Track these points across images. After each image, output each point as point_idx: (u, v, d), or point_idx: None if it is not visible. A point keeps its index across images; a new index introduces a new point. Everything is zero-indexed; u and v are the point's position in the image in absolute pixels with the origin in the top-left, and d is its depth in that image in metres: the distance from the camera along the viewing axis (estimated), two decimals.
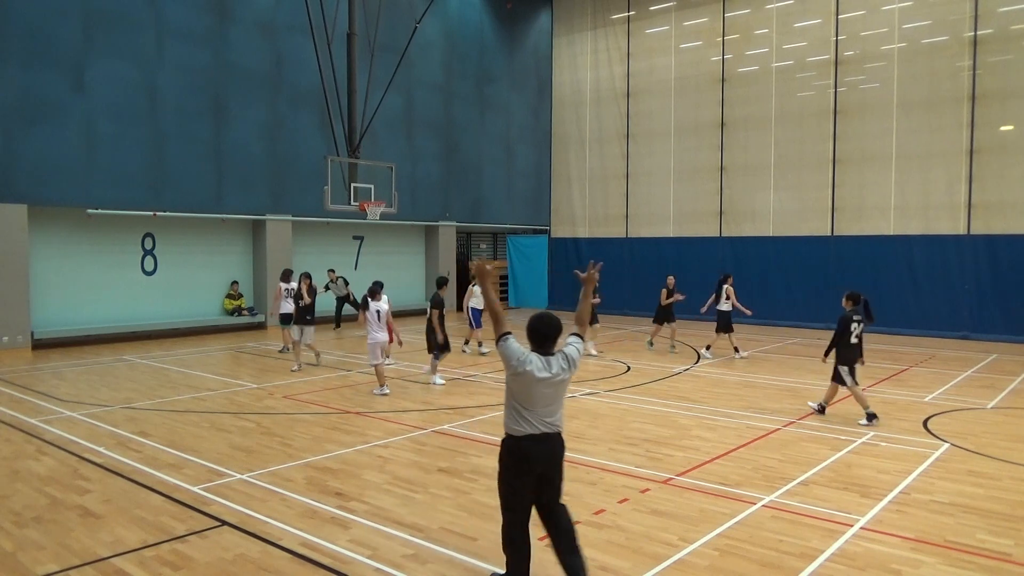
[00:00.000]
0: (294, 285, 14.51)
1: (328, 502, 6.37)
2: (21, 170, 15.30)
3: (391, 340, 14.25)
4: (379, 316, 11.33)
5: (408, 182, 21.94)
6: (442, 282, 12.79)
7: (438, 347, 11.98)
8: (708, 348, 15.24)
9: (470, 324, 15.46)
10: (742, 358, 14.81)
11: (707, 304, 15.63)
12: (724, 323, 15.07)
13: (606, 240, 25.27)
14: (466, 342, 15.70)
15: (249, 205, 19.32)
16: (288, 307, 14.56)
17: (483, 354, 15.15)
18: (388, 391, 11.13)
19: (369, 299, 11.49)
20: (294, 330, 13.62)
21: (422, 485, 6.84)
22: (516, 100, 26.46)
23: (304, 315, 13.40)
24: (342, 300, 20.21)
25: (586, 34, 25.79)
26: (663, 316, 15.88)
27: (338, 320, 20.37)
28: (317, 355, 13.91)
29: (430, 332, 12.05)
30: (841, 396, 11.04)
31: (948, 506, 6.30)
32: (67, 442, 8.35)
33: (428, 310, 12.29)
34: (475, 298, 15.24)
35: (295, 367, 13.28)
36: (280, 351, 15.50)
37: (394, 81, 19.01)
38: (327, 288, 19.61)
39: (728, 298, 15.03)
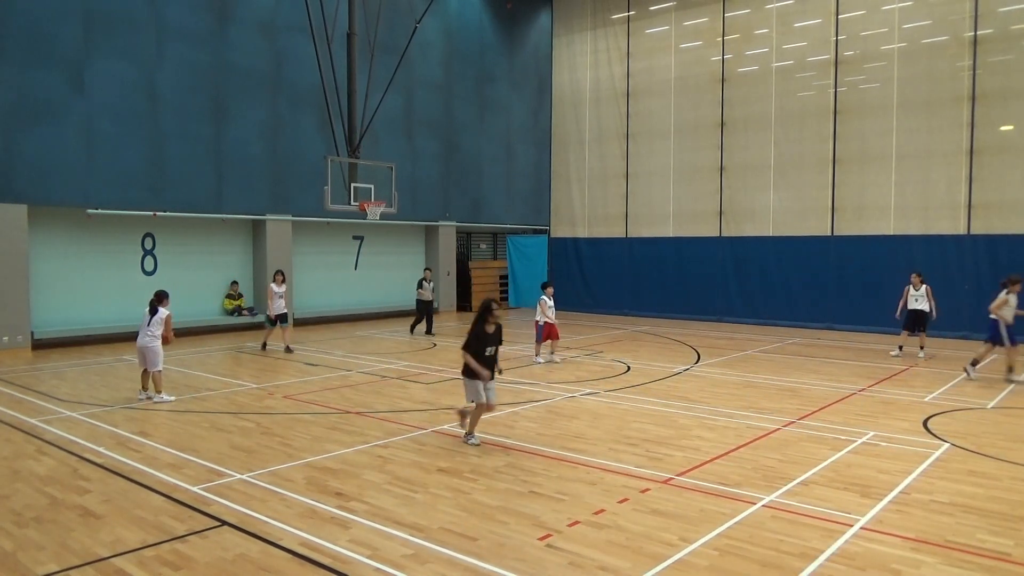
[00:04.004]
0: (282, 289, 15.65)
1: (328, 502, 6.37)
2: (21, 170, 15.30)
3: (555, 336, 14.34)
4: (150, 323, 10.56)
5: (408, 182, 21.94)
6: None
7: None
8: (898, 349, 15.03)
9: (998, 340, 12.41)
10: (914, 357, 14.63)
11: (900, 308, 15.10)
12: (917, 321, 14.86)
13: (606, 240, 25.27)
14: (974, 364, 12.64)
15: (249, 205, 19.32)
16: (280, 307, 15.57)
17: (1016, 382, 12.12)
18: (173, 398, 10.68)
19: (158, 306, 10.63)
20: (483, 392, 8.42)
21: (422, 485, 6.84)
22: (516, 100, 26.47)
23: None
24: (427, 304, 18.79)
25: (586, 34, 25.78)
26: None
27: (429, 325, 18.78)
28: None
29: None
30: (841, 396, 11.05)
31: (948, 506, 6.30)
32: (67, 442, 8.35)
33: None
34: (1009, 308, 12.39)
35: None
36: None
37: (394, 81, 19.01)
38: (420, 287, 18.86)
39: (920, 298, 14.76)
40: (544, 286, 14.87)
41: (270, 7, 19.34)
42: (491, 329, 8.35)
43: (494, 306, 8.44)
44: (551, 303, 14.38)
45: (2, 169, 15.08)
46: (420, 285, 18.89)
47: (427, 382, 12.20)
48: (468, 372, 8.28)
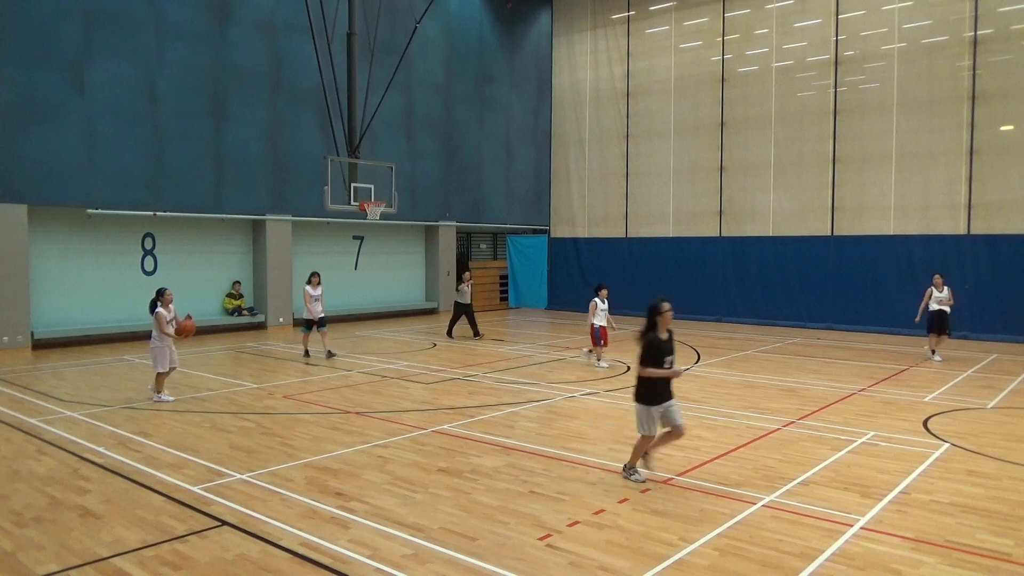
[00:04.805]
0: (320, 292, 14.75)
1: (328, 502, 6.37)
2: (21, 170, 15.30)
3: (604, 342, 13.79)
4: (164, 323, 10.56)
5: (408, 182, 21.94)
6: None
7: None
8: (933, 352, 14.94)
9: None
10: (936, 360, 14.61)
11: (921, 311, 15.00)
12: (942, 322, 14.79)
13: (606, 240, 25.28)
14: None
15: (249, 205, 19.32)
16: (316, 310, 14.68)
17: None
18: (172, 398, 10.69)
19: (158, 303, 10.64)
20: None
21: (422, 485, 6.84)
22: (516, 100, 26.47)
23: None
24: (465, 307, 18.02)
25: (586, 34, 25.79)
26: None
27: (473, 327, 18.01)
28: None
29: None
30: (841, 396, 11.05)
31: (948, 506, 6.30)
32: (67, 442, 8.35)
33: None
34: None
35: None
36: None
37: (394, 81, 19.01)
38: (458, 289, 18.23)
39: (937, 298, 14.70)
40: (598, 288, 14.12)
41: (270, 7, 19.34)
42: (665, 335, 6.96)
43: (665, 306, 6.91)
44: (604, 305, 13.76)
45: (2, 169, 15.07)
46: (458, 288, 18.23)
47: (427, 382, 12.20)
48: (642, 396, 6.87)
